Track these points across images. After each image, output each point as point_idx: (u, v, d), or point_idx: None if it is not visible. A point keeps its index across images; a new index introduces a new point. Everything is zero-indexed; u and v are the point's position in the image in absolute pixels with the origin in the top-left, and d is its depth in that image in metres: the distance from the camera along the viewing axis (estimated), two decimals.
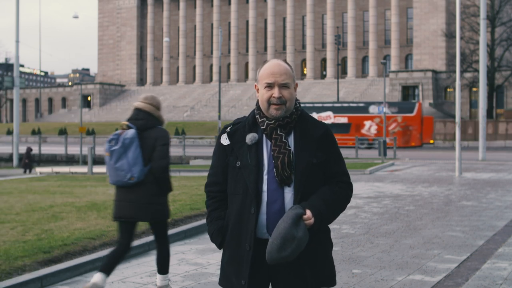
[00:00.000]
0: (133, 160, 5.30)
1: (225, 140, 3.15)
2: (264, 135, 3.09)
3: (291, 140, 3.08)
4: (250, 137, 3.07)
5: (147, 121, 5.48)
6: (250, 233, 3.02)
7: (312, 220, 2.94)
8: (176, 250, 7.79)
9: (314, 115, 47.11)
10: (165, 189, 5.49)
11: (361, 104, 49.82)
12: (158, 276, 5.65)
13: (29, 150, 34.56)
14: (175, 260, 7.20)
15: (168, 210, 5.59)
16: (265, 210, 3.02)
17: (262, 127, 3.08)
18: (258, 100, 3.14)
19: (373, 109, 47.53)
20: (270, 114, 3.06)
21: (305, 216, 2.94)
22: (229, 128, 3.17)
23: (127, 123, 5.48)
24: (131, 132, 5.36)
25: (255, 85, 3.16)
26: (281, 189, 3.03)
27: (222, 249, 3.22)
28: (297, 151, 3.05)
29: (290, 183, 3.03)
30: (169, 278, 5.87)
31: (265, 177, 3.04)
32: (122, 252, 5.50)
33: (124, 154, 5.31)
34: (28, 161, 33.92)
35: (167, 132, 5.58)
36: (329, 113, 48.61)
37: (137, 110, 5.57)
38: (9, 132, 66.56)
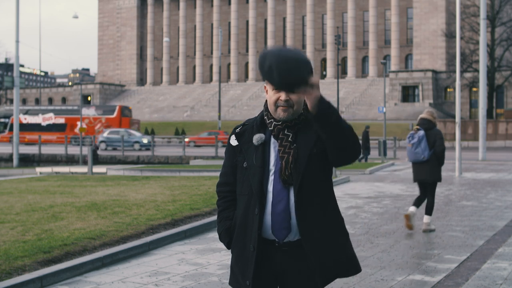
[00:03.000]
0: (424, 147, 8.94)
1: (234, 141, 3.14)
2: (272, 136, 3.07)
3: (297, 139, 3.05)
4: (257, 138, 3.05)
5: (428, 125, 9.06)
6: (254, 233, 3.00)
7: (318, 89, 2.89)
8: (176, 250, 7.79)
9: (40, 116, 55.78)
10: (441, 163, 9.07)
11: (75, 107, 57.81)
12: (425, 216, 9.05)
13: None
14: (175, 260, 7.21)
15: (441, 175, 9.23)
16: (270, 211, 3.00)
17: (269, 128, 3.06)
18: (266, 100, 3.10)
19: (84, 111, 54.27)
20: (278, 116, 3.02)
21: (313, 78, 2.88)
22: (238, 128, 3.16)
23: (418, 127, 9.06)
24: (421, 132, 8.99)
25: (265, 86, 3.10)
26: (286, 190, 2.99)
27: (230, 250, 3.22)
28: (300, 147, 3.01)
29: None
30: (431, 221, 9.17)
31: (271, 178, 3.02)
32: (422, 200, 9.25)
33: (419, 144, 8.96)
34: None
35: (440, 131, 9.14)
36: (51, 114, 56.32)
37: (422, 119, 9.13)
38: None
